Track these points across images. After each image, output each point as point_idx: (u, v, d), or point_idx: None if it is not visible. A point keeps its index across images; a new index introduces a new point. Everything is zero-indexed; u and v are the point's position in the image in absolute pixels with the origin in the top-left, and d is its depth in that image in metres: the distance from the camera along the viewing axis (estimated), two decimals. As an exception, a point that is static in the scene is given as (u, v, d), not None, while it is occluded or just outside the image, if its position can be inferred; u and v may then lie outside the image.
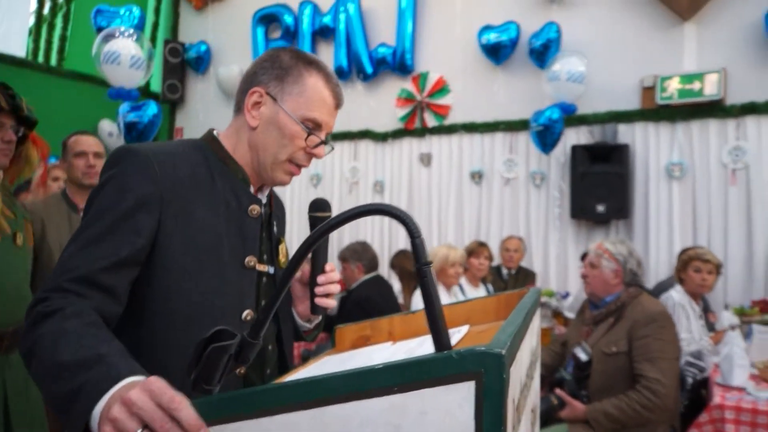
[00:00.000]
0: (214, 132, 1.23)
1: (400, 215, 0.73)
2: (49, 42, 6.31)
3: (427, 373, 0.63)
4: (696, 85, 4.68)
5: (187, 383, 0.74)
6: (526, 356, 0.98)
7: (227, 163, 1.18)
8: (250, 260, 1.16)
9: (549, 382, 2.69)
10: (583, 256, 3.84)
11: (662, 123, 4.87)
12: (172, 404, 0.67)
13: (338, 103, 1.22)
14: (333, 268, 1.22)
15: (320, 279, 1.18)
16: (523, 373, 0.91)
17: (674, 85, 4.76)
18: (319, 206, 1.19)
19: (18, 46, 6.16)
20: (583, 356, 2.38)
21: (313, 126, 1.17)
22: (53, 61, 6.32)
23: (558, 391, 2.44)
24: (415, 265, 0.73)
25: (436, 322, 0.71)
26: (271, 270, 1.23)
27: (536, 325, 1.22)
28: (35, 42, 6.29)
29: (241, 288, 1.14)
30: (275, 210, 1.31)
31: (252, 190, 1.21)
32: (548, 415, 2.41)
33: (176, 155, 1.11)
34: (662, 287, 3.78)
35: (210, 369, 0.74)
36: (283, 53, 1.20)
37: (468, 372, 0.62)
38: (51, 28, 6.36)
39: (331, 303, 1.21)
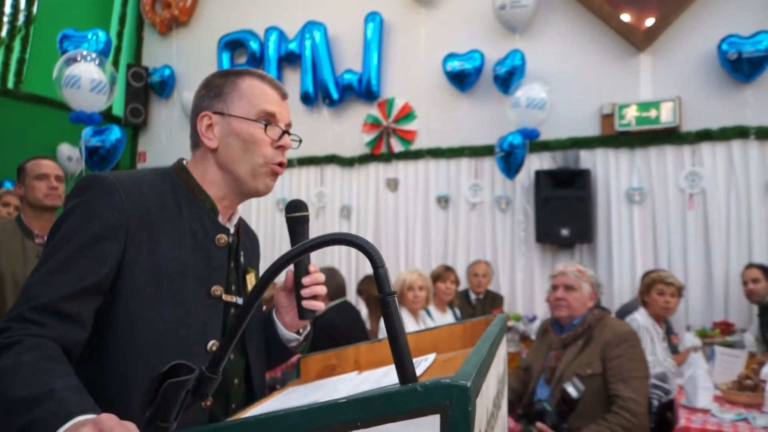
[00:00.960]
0: (184, 162, 1.23)
1: (363, 245, 0.72)
2: (6, 65, 6.16)
3: (392, 408, 0.62)
4: (652, 113, 4.84)
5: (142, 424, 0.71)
6: (493, 385, 0.97)
7: (195, 192, 1.18)
8: (216, 290, 1.14)
9: (529, 413, 2.64)
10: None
11: (621, 149, 5.01)
12: None
13: (282, 93, 1.23)
14: (317, 269, 1.21)
15: (305, 280, 1.18)
16: (490, 403, 0.90)
17: (632, 112, 4.92)
18: (295, 207, 1.20)
19: (-26, 69, 6.01)
20: (573, 393, 2.32)
21: (267, 117, 1.18)
22: (10, 84, 6.17)
23: (539, 425, 2.41)
24: (378, 296, 0.72)
25: (400, 354, 0.70)
26: (239, 301, 1.21)
27: (503, 353, 1.22)
28: (-7, 65, 6.14)
29: (207, 318, 1.12)
30: (244, 240, 1.30)
31: (221, 219, 1.20)
32: None
33: (143, 183, 1.11)
34: (626, 310, 3.84)
35: (166, 405, 0.70)
36: (212, 77, 1.23)
37: (433, 405, 0.61)
38: (9, 50, 6.22)
39: (320, 305, 1.20)
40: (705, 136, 4.73)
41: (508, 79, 5.15)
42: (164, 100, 7.04)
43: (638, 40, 4.95)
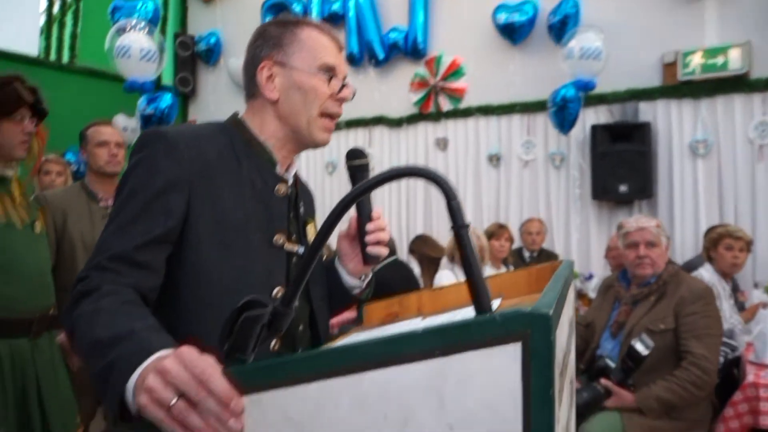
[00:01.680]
0: (239, 115, 1.24)
1: (434, 176, 0.70)
2: (60, 40, 6.34)
3: (470, 336, 0.60)
4: (719, 59, 4.56)
5: (221, 357, 0.72)
6: (566, 325, 0.94)
7: (252, 144, 1.19)
8: (279, 238, 1.16)
9: (591, 369, 2.60)
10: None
11: (685, 99, 4.76)
12: (203, 375, 0.67)
13: (339, 45, 1.24)
14: (380, 215, 1.23)
15: (369, 227, 1.19)
16: (564, 342, 0.87)
17: (697, 60, 4.65)
18: (355, 155, 1.22)
19: (30, 45, 6.20)
20: (642, 349, 2.26)
21: (328, 70, 1.18)
22: (66, 59, 6.35)
23: (604, 381, 2.37)
24: (452, 228, 0.70)
25: (476, 284, 0.68)
26: (301, 250, 1.22)
27: (572, 297, 1.19)
28: (47, 40, 6.33)
29: (271, 266, 1.14)
30: (301, 193, 1.31)
31: (279, 170, 1.21)
32: (595, 404, 2.36)
33: (201, 138, 1.13)
34: (690, 266, 3.70)
35: (243, 339, 0.71)
36: (268, 26, 1.22)
37: (513, 333, 0.59)
38: (62, 26, 6.39)
39: (384, 251, 1.22)
40: (777, 82, 4.43)
41: (561, 29, 4.94)
42: (211, 68, 7.11)
43: (703, -18, 4.64)
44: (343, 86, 1.20)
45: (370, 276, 1.35)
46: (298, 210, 1.26)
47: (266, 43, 1.19)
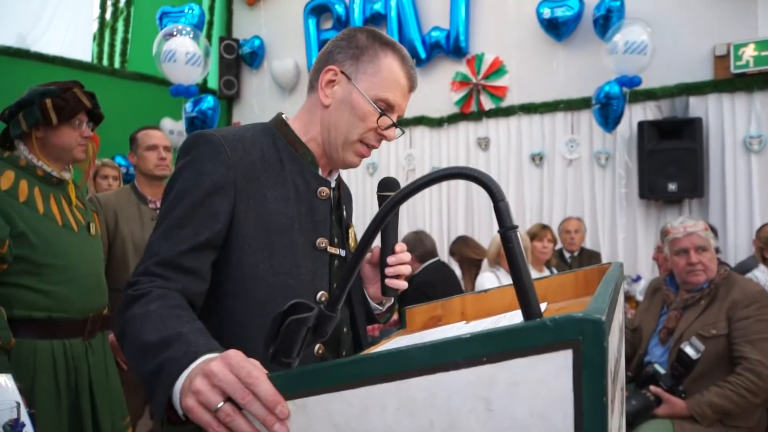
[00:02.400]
0: (283, 116, 1.23)
1: (481, 178, 0.69)
2: (112, 45, 6.55)
3: (519, 343, 0.59)
4: (774, 51, 4.37)
5: (266, 362, 0.73)
6: (617, 331, 0.91)
7: (296, 146, 1.18)
8: (322, 241, 1.16)
9: (638, 376, 2.52)
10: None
11: (738, 93, 4.58)
12: (249, 379, 0.67)
13: (412, 86, 1.21)
14: (403, 249, 1.20)
15: (390, 260, 1.17)
16: (616, 348, 0.85)
17: (749, 52, 4.46)
18: (388, 185, 1.21)
19: (84, 51, 6.43)
20: (692, 353, 2.18)
21: (385, 107, 1.16)
22: (117, 64, 6.56)
23: (653, 388, 2.30)
24: (499, 230, 0.69)
25: (524, 289, 0.66)
26: (343, 253, 1.22)
27: (622, 301, 1.15)
28: (99, 46, 6.55)
29: (315, 269, 1.14)
30: (344, 195, 1.30)
31: (321, 172, 1.20)
32: (645, 412, 2.29)
33: (245, 139, 1.13)
34: (744, 268, 3.56)
35: (288, 342, 0.72)
36: (359, 33, 1.19)
37: (564, 340, 0.57)
38: (113, 32, 6.60)
39: (403, 284, 1.20)
40: (837, 73, 4.22)
41: (605, 24, 4.81)
42: (255, 71, 7.22)
43: (757, -29, 4.45)
44: (391, 125, 1.18)
45: (392, 301, 1.34)
46: (341, 213, 1.26)
47: (348, 48, 1.17)
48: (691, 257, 2.42)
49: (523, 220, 5.38)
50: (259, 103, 7.16)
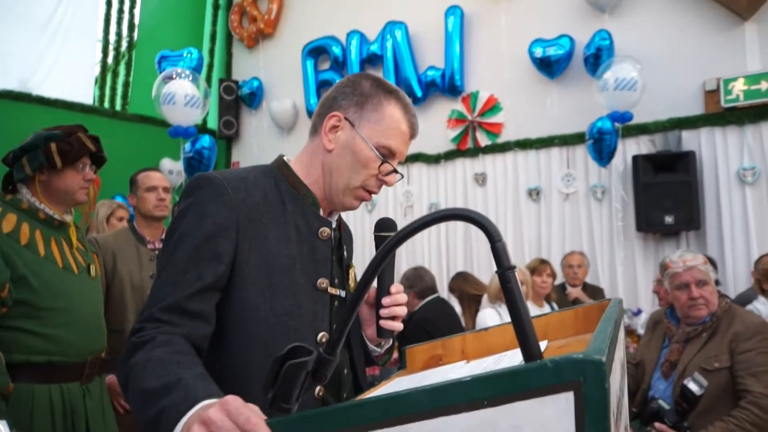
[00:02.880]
0: (285, 158, 1.24)
1: (478, 219, 0.69)
2: (113, 88, 6.65)
3: (520, 385, 0.59)
4: (763, 85, 4.45)
5: (266, 405, 0.72)
6: (618, 369, 0.91)
7: (297, 187, 1.19)
8: (322, 282, 1.16)
9: (643, 412, 2.48)
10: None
11: (729, 127, 4.65)
12: (247, 425, 0.67)
13: (413, 134, 1.23)
14: (400, 290, 1.19)
15: (385, 301, 1.16)
16: (618, 387, 0.84)
17: (739, 86, 4.55)
18: (385, 226, 1.20)
19: (86, 94, 6.53)
20: (696, 389, 2.14)
21: (387, 154, 1.18)
22: (118, 106, 6.65)
23: (658, 425, 2.26)
24: (497, 270, 0.69)
25: (523, 329, 0.66)
26: (343, 293, 1.22)
27: (622, 337, 1.15)
28: (101, 89, 6.65)
29: (315, 310, 1.14)
30: (345, 236, 1.31)
31: (322, 213, 1.21)
32: None
33: (247, 181, 1.14)
34: (744, 299, 3.55)
35: (288, 387, 0.71)
36: (364, 80, 1.21)
37: (565, 382, 0.57)
38: (115, 75, 6.72)
39: (398, 326, 1.19)
40: (825, 106, 4.29)
41: (596, 62, 4.91)
42: (254, 111, 7.32)
43: (741, 9, 4.56)
44: (391, 172, 1.20)
45: (391, 343, 1.32)
46: (341, 254, 1.26)
47: (352, 95, 1.19)
48: (693, 292, 2.40)
49: (522, 255, 5.38)
50: (258, 143, 7.23)
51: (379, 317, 1.18)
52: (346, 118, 1.18)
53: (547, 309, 4.02)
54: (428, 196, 6.05)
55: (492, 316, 3.55)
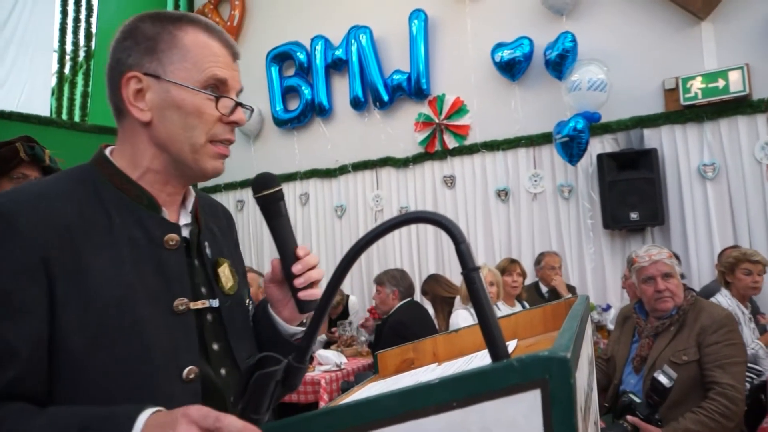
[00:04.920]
0: (106, 151, 0.99)
1: (441, 221, 0.69)
2: (71, 99, 6.50)
3: (488, 385, 0.59)
4: (720, 83, 4.59)
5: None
6: (585, 365, 0.92)
7: (126, 189, 0.95)
8: (181, 303, 0.94)
9: (615, 406, 2.52)
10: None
11: (689, 124, 4.78)
12: (217, 423, 0.67)
13: (233, 52, 1.01)
14: (308, 252, 1.02)
15: (296, 268, 1.00)
16: (585, 383, 0.85)
17: (697, 84, 4.68)
18: (263, 183, 1.01)
19: (42, 106, 6.36)
20: (665, 381, 2.18)
21: (217, 86, 0.97)
22: (77, 117, 6.50)
23: (630, 418, 2.30)
24: (462, 272, 0.69)
25: (490, 330, 0.66)
26: (215, 303, 1.00)
27: (590, 333, 1.16)
28: (58, 100, 6.49)
29: (175, 341, 0.92)
30: (208, 223, 1.08)
31: (167, 214, 0.98)
32: None
33: (50, 198, 0.89)
34: (708, 292, 3.64)
35: (257, 397, 0.70)
36: (141, 23, 0.96)
37: (532, 380, 0.57)
38: (73, 86, 6.56)
39: (318, 292, 1.01)
40: (779, 102, 4.45)
41: (560, 63, 4.99)
42: (220, 119, 7.23)
43: (697, 8, 4.70)
44: (235, 105, 0.98)
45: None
46: (203, 254, 1.03)
47: (137, 45, 0.94)
48: (658, 284, 2.47)
49: (493, 255, 5.43)
50: (224, 150, 7.14)
51: (295, 290, 1.01)
52: (146, 74, 0.93)
53: (518, 308, 4.06)
54: (398, 200, 6.06)
55: (465, 317, 3.58)
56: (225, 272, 1.05)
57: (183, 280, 0.96)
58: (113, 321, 0.87)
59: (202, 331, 0.97)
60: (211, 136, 0.96)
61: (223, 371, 0.99)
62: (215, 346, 0.99)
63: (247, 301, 1.13)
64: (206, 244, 1.04)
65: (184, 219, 1.02)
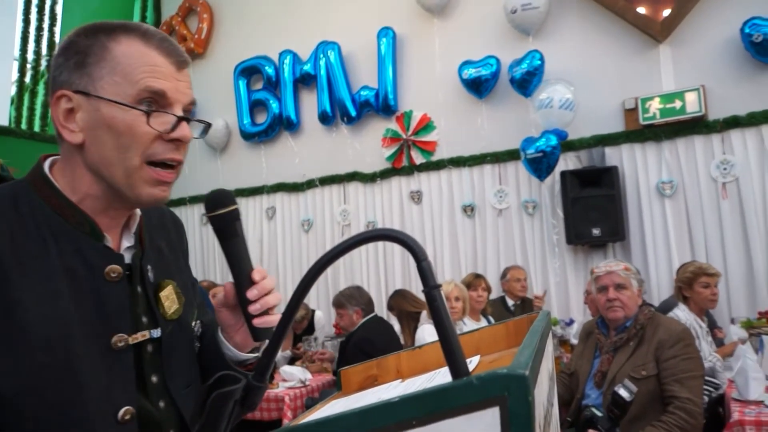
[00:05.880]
0: (45, 168, 0.91)
1: (402, 238, 0.69)
2: (31, 109, 6.34)
3: (447, 403, 0.59)
4: (677, 104, 4.74)
5: None
6: (545, 381, 0.93)
7: (65, 214, 0.87)
8: (120, 339, 0.87)
9: (577, 420, 2.56)
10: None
11: (648, 143, 4.92)
12: None
13: (177, 60, 0.90)
14: (264, 274, 0.95)
15: (251, 294, 0.92)
16: (545, 398, 0.86)
17: (655, 105, 4.83)
18: (218, 201, 0.93)
19: (0, 115, 6.19)
20: (626, 395, 2.22)
21: (153, 99, 0.86)
22: (36, 127, 6.33)
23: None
24: (423, 290, 0.69)
25: (450, 347, 0.67)
26: (156, 333, 0.94)
27: (550, 349, 1.18)
28: (18, 110, 6.32)
29: (110, 381, 0.86)
30: (154, 241, 1.01)
31: (109, 241, 0.91)
32: None
33: None
34: (666, 306, 3.73)
35: (215, 418, 0.69)
36: (76, 37, 0.88)
37: (491, 398, 0.58)
38: (33, 95, 6.40)
39: (274, 319, 0.94)
40: (733, 123, 4.61)
41: (528, 81, 5.08)
42: (185, 131, 7.14)
43: (656, 32, 4.87)
44: (178, 119, 0.88)
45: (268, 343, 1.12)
46: (145, 280, 0.96)
47: (67, 62, 0.86)
48: (609, 293, 2.57)
49: (459, 270, 5.47)
50: (189, 164, 7.03)
51: (250, 316, 0.93)
52: (76, 92, 0.85)
53: (483, 323, 4.09)
54: (365, 215, 6.06)
55: (431, 332, 3.58)
56: (169, 296, 0.98)
57: (123, 315, 0.89)
58: (45, 362, 0.80)
59: (141, 364, 0.92)
60: (149, 156, 0.87)
61: (161, 404, 0.94)
62: (154, 379, 0.94)
63: (194, 323, 1.07)
64: (149, 267, 0.97)
65: (127, 242, 0.95)
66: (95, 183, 0.88)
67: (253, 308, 0.92)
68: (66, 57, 0.87)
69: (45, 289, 0.82)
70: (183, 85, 0.90)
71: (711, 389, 2.98)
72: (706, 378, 2.98)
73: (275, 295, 0.95)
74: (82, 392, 0.82)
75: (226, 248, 0.95)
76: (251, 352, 1.03)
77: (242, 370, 1.00)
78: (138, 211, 0.98)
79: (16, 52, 6.34)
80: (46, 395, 0.80)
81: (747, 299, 4.49)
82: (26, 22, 6.34)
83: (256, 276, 0.93)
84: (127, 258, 0.94)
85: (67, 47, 0.88)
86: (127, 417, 0.86)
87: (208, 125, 0.97)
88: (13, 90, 6.39)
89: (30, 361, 0.79)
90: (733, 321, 4.21)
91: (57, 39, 6.55)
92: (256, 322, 0.93)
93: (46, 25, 6.44)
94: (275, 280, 0.96)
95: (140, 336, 0.91)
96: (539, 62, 5.09)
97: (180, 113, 0.88)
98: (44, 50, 6.55)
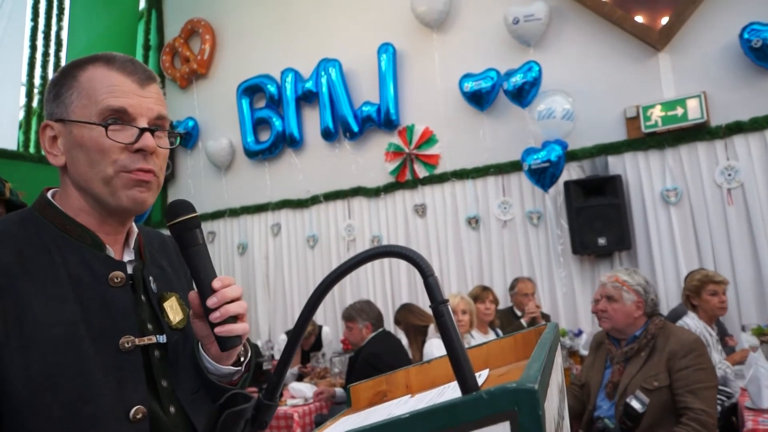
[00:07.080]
0: (48, 194, 1.02)
1: (409, 254, 0.70)
2: (39, 133, 6.39)
3: (457, 418, 0.59)
4: (678, 111, 4.75)
5: None
6: (555, 393, 0.93)
7: (68, 229, 0.96)
8: (127, 340, 0.93)
9: (591, 430, 2.54)
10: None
11: (651, 150, 4.92)
12: None
13: (141, 77, 0.97)
14: (226, 282, 0.95)
15: (211, 302, 0.92)
16: (555, 411, 0.86)
17: (657, 112, 4.84)
18: (177, 211, 0.95)
19: (9, 140, 6.25)
20: (638, 407, 2.21)
21: (117, 116, 0.94)
22: (44, 152, 6.39)
23: None
24: (431, 305, 0.70)
25: (459, 362, 0.67)
26: (162, 338, 0.99)
27: (560, 361, 1.17)
28: (26, 134, 6.38)
29: (121, 380, 0.91)
30: (154, 257, 1.08)
31: (111, 252, 0.99)
32: None
33: None
34: (675, 315, 3.71)
35: (225, 438, 0.69)
36: (56, 74, 1.00)
37: (501, 412, 0.58)
38: (40, 119, 6.46)
39: (238, 327, 0.94)
40: (736, 128, 4.61)
41: (526, 92, 5.11)
42: (189, 151, 7.20)
43: (655, 40, 4.90)
44: (142, 132, 0.94)
45: (249, 356, 1.08)
46: (148, 289, 1.03)
47: (49, 97, 0.99)
48: (600, 305, 2.63)
49: (465, 283, 5.46)
50: (194, 183, 7.10)
51: (212, 325, 0.94)
52: (55, 120, 0.97)
53: (492, 336, 4.07)
54: (370, 229, 6.07)
55: (438, 346, 3.57)
56: (173, 306, 1.04)
57: (129, 317, 0.95)
58: (56, 361, 0.86)
59: (151, 368, 0.96)
60: (120, 167, 0.95)
61: (172, 409, 0.98)
62: (164, 383, 0.98)
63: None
64: (151, 279, 1.03)
65: (128, 256, 1.02)
66: (82, 198, 0.98)
67: (212, 316, 0.93)
68: (48, 92, 0.99)
69: (51, 294, 0.89)
70: (148, 100, 0.97)
71: (723, 398, 2.95)
72: (719, 387, 2.95)
73: (238, 304, 0.95)
74: (93, 390, 0.88)
75: (188, 257, 0.96)
76: (235, 364, 1.04)
77: (224, 385, 1.02)
78: (135, 228, 1.06)
79: (24, 78, 6.41)
80: (59, 393, 0.85)
81: (757, 306, 4.45)
82: (33, 48, 6.43)
83: (215, 284, 0.93)
84: (129, 270, 1.00)
85: (50, 85, 1.00)
86: (139, 416, 0.91)
87: (179, 135, 1.04)
88: (21, 115, 6.46)
89: (41, 360, 0.85)
90: (743, 328, 4.18)
91: (63, 64, 6.64)
92: (218, 330, 0.93)
93: (52, 50, 6.52)
94: (241, 289, 0.97)
95: (147, 339, 0.96)
96: (537, 73, 5.11)
97: (144, 126, 0.95)
98: (50, 75, 6.63)
